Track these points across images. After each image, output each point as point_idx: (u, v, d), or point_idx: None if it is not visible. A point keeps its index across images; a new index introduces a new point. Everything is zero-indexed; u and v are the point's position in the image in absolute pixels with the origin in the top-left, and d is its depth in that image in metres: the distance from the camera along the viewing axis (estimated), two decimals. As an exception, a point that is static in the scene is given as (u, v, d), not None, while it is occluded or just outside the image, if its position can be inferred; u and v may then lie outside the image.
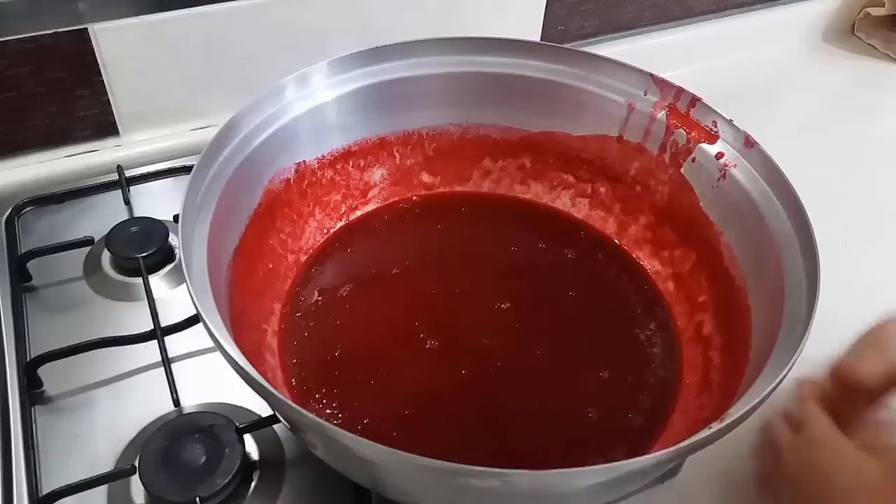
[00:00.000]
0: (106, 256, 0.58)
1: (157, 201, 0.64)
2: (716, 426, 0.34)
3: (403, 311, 0.52)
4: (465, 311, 0.53)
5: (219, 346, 0.36)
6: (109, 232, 0.58)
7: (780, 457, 0.41)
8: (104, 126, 0.67)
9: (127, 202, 0.63)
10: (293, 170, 0.53)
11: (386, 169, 0.58)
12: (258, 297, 0.50)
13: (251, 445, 0.47)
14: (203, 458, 0.44)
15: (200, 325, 0.37)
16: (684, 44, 0.88)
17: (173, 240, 0.59)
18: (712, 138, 0.51)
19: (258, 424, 0.46)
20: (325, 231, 0.56)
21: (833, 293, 0.43)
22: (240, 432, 0.45)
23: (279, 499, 0.45)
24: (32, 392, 0.50)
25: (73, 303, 0.56)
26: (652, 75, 0.53)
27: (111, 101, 0.65)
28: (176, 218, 0.57)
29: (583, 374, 0.49)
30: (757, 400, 0.35)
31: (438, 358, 0.49)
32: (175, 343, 0.52)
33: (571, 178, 0.59)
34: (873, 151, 0.81)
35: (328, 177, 0.56)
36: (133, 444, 0.47)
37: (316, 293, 0.53)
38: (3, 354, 0.51)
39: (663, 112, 0.53)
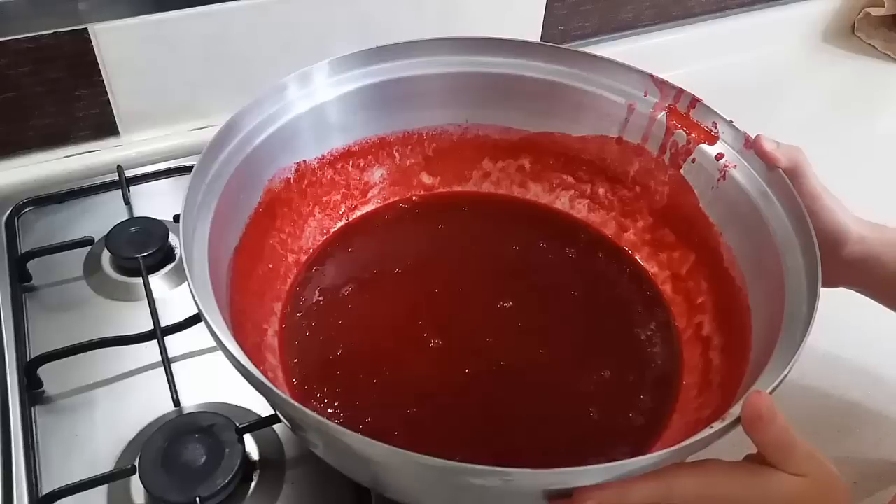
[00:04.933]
0: (106, 256, 0.58)
1: (157, 201, 0.64)
2: (716, 426, 0.34)
3: (405, 311, 0.52)
4: (467, 311, 0.53)
5: (220, 345, 0.36)
6: (109, 232, 0.58)
7: None
8: (104, 126, 0.67)
9: (127, 202, 0.63)
10: (293, 169, 0.53)
11: (386, 169, 0.58)
12: (258, 296, 0.49)
13: (251, 445, 0.47)
14: (203, 458, 0.44)
15: (200, 325, 0.37)
16: (684, 44, 0.89)
17: (173, 240, 0.59)
18: (712, 139, 0.51)
19: (258, 424, 0.46)
20: (325, 231, 0.56)
21: (833, 293, 0.43)
22: (240, 432, 0.45)
23: (279, 499, 0.45)
24: (32, 392, 0.50)
25: (73, 303, 0.56)
26: (652, 76, 0.53)
27: (111, 101, 0.66)
28: (176, 218, 0.57)
29: (584, 373, 0.49)
30: (757, 400, 0.35)
31: (441, 357, 0.49)
32: (175, 343, 0.52)
33: (571, 179, 0.59)
34: (874, 151, 0.81)
35: (328, 176, 0.56)
36: (133, 444, 0.47)
37: (316, 293, 0.53)
38: (3, 354, 0.51)
39: (663, 113, 0.53)
